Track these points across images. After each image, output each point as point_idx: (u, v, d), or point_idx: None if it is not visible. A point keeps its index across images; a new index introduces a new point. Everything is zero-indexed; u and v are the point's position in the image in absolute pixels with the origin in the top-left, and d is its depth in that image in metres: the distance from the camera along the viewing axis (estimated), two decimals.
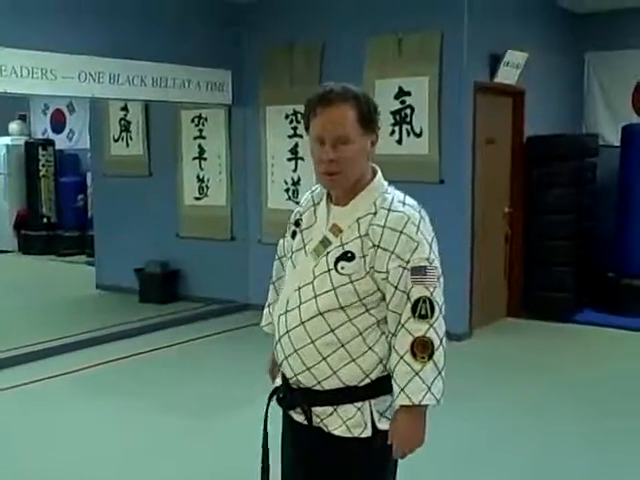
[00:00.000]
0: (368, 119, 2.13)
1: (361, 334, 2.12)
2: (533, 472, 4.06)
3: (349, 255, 2.12)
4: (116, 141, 8.63)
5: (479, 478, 4.00)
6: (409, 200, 2.21)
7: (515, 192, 7.39)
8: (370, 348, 2.13)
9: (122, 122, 8.57)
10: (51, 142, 12.03)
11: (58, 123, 12.51)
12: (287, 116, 7.36)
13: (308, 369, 2.14)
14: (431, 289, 2.09)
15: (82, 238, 11.26)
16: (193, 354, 6.48)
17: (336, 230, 2.17)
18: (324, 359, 2.12)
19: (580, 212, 7.31)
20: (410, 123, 6.66)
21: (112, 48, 6.27)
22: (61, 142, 12.30)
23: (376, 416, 2.14)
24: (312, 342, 2.13)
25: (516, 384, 5.50)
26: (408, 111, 6.67)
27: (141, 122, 8.41)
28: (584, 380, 5.61)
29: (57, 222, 11.94)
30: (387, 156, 6.77)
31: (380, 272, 2.10)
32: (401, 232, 2.11)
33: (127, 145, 8.54)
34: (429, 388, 2.06)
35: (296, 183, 7.40)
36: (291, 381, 2.20)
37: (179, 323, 7.33)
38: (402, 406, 2.09)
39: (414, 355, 2.06)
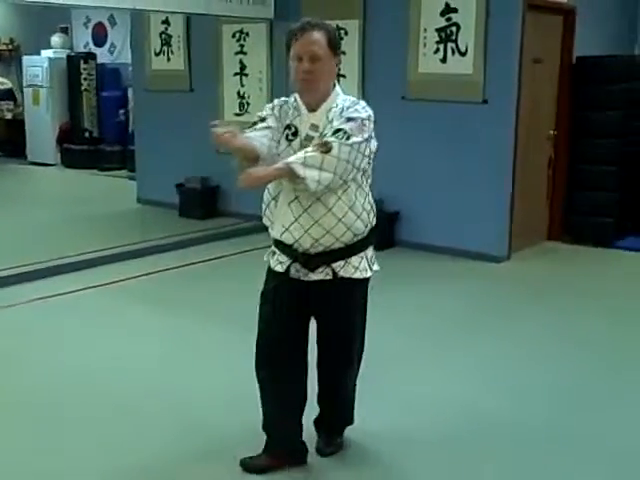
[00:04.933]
0: (335, 45, 2.89)
1: (350, 208, 2.91)
2: (561, 393, 4.08)
3: None
4: (157, 55, 8.57)
5: (507, 395, 4.04)
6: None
7: (561, 114, 7.22)
8: (358, 217, 2.93)
9: (163, 36, 8.49)
10: (93, 56, 11.98)
11: (100, 36, 12.44)
12: None
13: (328, 231, 2.89)
14: (355, 133, 2.80)
15: (123, 153, 11.32)
16: (232, 268, 6.56)
17: (314, 127, 2.91)
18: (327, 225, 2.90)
19: (627, 137, 7.14)
20: (455, 41, 6.50)
21: None
22: (102, 56, 12.25)
23: (370, 262, 3.05)
24: (329, 210, 2.88)
25: (551, 308, 5.49)
26: (454, 29, 6.50)
27: (182, 36, 8.32)
28: (622, 307, 5.58)
29: (99, 136, 12.00)
30: (430, 75, 6.70)
31: None
32: (350, 106, 2.89)
33: (168, 59, 8.47)
34: (304, 163, 2.72)
35: None
36: (314, 248, 2.91)
37: (218, 238, 7.41)
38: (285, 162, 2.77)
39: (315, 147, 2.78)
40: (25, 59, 12.19)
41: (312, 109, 2.92)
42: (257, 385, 3.16)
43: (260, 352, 3.11)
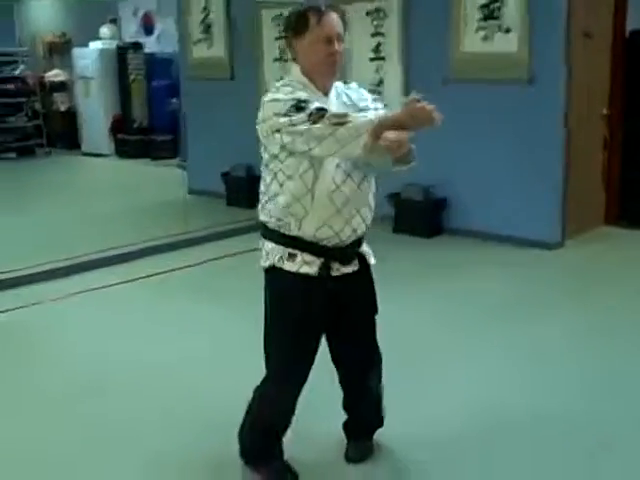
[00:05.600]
0: (344, 27, 2.76)
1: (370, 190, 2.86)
2: (606, 392, 3.83)
3: None
4: (198, 43, 8.48)
5: (546, 380, 3.85)
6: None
7: (614, 92, 6.83)
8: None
9: (204, 23, 8.38)
10: (141, 45, 11.98)
11: (148, 26, 12.43)
12: (368, 13, 7.01)
13: (364, 219, 2.82)
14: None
15: (174, 142, 11.32)
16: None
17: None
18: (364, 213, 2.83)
19: None
20: (499, 18, 6.20)
21: None
22: (151, 45, 12.24)
23: None
24: (367, 197, 2.82)
25: (604, 300, 5.18)
26: (497, 4, 6.20)
27: (222, 23, 8.20)
28: None
29: (149, 126, 12.02)
30: (472, 54, 6.42)
31: None
32: (351, 91, 2.87)
33: (209, 47, 8.37)
34: None
35: (379, 84, 7.09)
36: (349, 239, 2.78)
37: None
38: None
39: None
40: (75, 51, 12.27)
41: (325, 93, 2.76)
42: (253, 401, 2.97)
43: (283, 367, 2.88)
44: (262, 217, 2.81)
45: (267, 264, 2.80)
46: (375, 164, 2.71)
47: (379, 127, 2.44)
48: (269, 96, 2.67)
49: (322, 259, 2.76)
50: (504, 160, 6.46)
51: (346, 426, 3.26)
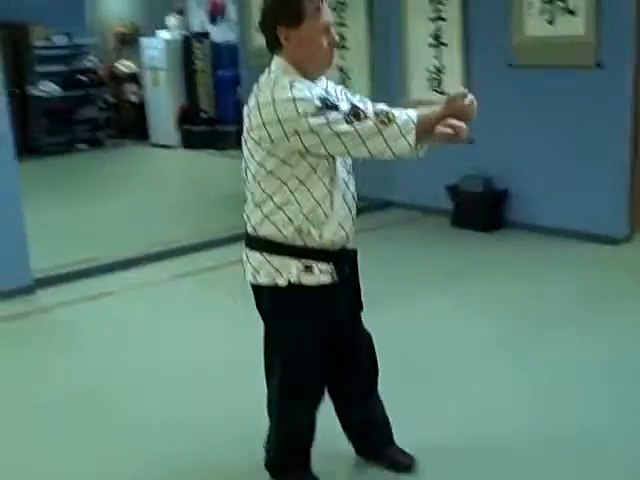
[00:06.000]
0: None
1: None
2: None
3: None
4: (258, 31, 8.34)
5: (606, 394, 3.58)
6: None
7: None
8: None
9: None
10: (206, 35, 11.93)
11: (214, 15, 12.37)
12: None
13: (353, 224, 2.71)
14: None
15: (239, 132, 11.22)
16: None
17: None
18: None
19: None
20: (563, 0, 5.87)
21: None
22: (218, 34, 12.19)
23: None
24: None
25: None
26: None
27: None
28: None
29: (215, 116, 11.98)
30: (536, 38, 6.10)
31: None
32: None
33: None
34: None
35: (439, 71, 6.83)
36: (348, 243, 2.69)
37: None
38: None
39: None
40: (143, 41, 12.33)
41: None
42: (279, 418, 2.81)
43: (308, 383, 2.74)
44: (264, 231, 2.56)
45: (280, 282, 2.56)
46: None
47: (425, 123, 2.42)
48: (281, 95, 2.41)
49: (331, 264, 2.61)
50: (569, 149, 6.12)
51: (364, 444, 3.06)
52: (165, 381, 3.99)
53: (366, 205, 7.36)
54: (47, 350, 4.58)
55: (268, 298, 2.62)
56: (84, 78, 12.29)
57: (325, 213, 2.55)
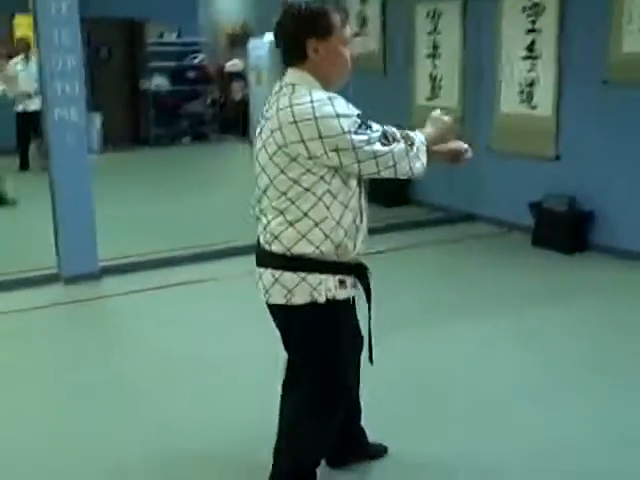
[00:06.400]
0: None
1: None
2: None
3: None
4: (355, 36, 8.34)
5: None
6: None
7: None
8: None
9: (360, 17, 8.24)
10: None
11: None
12: (524, 9, 6.55)
13: None
14: None
15: None
16: (407, 261, 6.19)
17: None
18: None
19: None
20: None
21: None
22: None
23: None
24: None
25: None
26: None
27: (378, 17, 8.01)
28: None
29: None
30: (634, 55, 5.83)
31: None
32: None
33: (364, 40, 8.21)
34: None
35: (531, 85, 6.61)
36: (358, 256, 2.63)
37: (400, 228, 7.04)
38: None
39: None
40: (251, 42, 12.53)
41: None
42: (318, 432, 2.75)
43: (344, 394, 2.75)
44: (299, 250, 2.47)
45: (321, 300, 2.50)
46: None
47: (430, 144, 2.62)
48: (323, 110, 2.36)
49: (351, 278, 2.61)
50: None
51: (356, 445, 3.11)
52: (208, 380, 4.01)
53: (449, 216, 7.28)
54: (100, 336, 4.72)
55: (305, 317, 2.55)
56: (193, 74, 12.61)
57: (357, 226, 2.56)
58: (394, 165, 2.45)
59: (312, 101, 2.38)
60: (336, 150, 2.36)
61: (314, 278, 2.49)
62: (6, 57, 10.40)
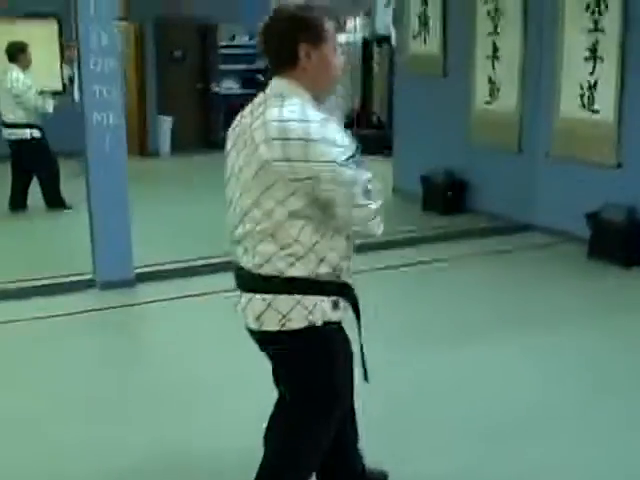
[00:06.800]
0: None
1: None
2: None
3: None
4: (415, 38, 8.10)
5: None
6: None
7: None
8: None
9: (421, 17, 7.98)
10: (388, 39, 11.76)
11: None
12: (588, 6, 6.17)
13: None
14: None
15: None
16: (453, 272, 5.94)
17: None
18: None
19: None
20: None
21: None
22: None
23: None
24: None
25: None
26: None
27: (439, 17, 7.73)
28: None
29: (387, 122, 11.81)
30: None
31: None
32: None
33: (424, 42, 7.96)
34: None
35: (592, 87, 6.23)
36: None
37: (450, 237, 6.76)
38: None
39: None
40: None
41: None
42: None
43: (338, 414, 2.57)
44: (294, 273, 2.29)
45: (319, 322, 2.34)
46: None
47: None
48: (313, 133, 2.18)
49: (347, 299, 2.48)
50: None
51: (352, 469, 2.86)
52: (239, 400, 3.84)
53: (503, 226, 6.95)
54: (129, 343, 4.71)
55: (301, 342, 2.39)
56: (263, 78, 12.57)
57: (348, 246, 2.42)
58: (366, 220, 2.30)
59: (306, 120, 2.21)
60: (318, 178, 2.20)
61: (309, 300, 2.33)
62: None
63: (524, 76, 6.85)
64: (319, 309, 2.34)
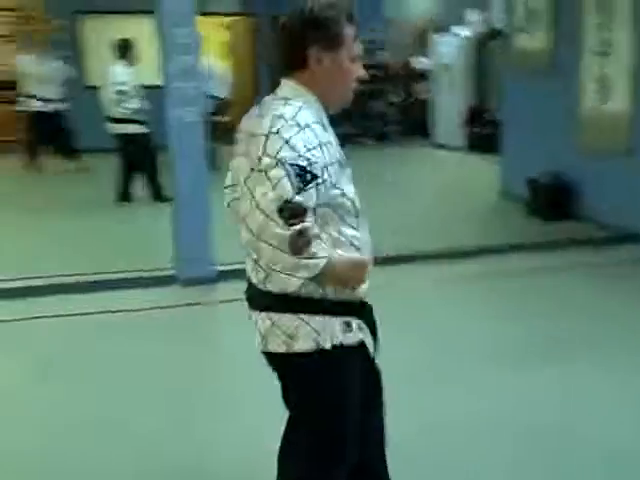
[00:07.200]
0: None
1: None
2: None
3: None
4: (521, 31, 7.71)
5: None
6: None
7: None
8: None
9: (527, 9, 7.58)
10: (500, 33, 11.31)
11: None
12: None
13: None
14: None
15: None
16: (543, 285, 5.53)
17: None
18: None
19: None
20: None
21: None
22: None
23: None
24: None
25: None
26: None
27: (548, 9, 7.30)
28: None
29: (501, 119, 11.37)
30: None
31: None
32: None
33: (531, 35, 7.55)
34: None
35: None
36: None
37: (548, 247, 6.33)
38: None
39: None
40: (435, 37, 12.07)
41: None
42: None
43: (348, 450, 2.30)
44: (300, 291, 2.07)
45: (327, 346, 2.13)
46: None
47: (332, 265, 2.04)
48: (283, 129, 2.00)
49: (360, 320, 2.24)
50: None
51: None
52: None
53: (608, 236, 6.48)
54: (196, 342, 4.65)
55: (308, 366, 2.18)
56: (376, 73, 12.36)
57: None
58: (289, 272, 2.00)
59: (291, 118, 2.03)
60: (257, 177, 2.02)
61: (316, 321, 2.11)
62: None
63: (637, 73, 6.35)
64: (329, 332, 2.11)
